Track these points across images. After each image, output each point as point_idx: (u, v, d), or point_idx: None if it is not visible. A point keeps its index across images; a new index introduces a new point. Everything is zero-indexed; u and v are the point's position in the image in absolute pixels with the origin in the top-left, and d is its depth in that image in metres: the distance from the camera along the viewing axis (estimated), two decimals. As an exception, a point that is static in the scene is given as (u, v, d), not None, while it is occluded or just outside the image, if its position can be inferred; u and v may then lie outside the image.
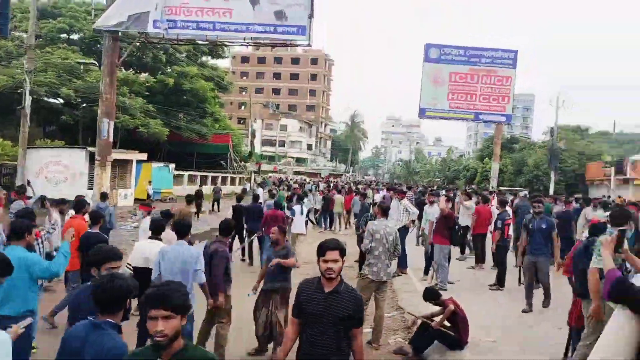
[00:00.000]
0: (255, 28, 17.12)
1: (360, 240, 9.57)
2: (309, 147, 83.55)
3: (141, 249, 6.21)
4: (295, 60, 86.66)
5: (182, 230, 5.58)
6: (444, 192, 17.72)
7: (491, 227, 10.82)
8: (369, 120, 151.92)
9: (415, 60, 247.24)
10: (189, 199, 13.09)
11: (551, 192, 31.93)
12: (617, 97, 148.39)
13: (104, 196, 12.10)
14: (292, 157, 78.63)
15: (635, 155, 32.90)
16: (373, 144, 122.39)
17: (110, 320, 2.75)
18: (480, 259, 11.54)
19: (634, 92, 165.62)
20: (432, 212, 10.38)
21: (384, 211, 6.92)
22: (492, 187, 31.00)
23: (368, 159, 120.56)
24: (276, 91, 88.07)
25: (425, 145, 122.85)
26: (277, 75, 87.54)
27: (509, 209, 11.33)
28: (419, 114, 36.08)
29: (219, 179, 38.43)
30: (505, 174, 37.85)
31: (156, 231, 6.34)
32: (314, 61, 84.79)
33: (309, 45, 17.41)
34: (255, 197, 13.24)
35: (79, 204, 7.87)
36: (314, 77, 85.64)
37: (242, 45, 17.58)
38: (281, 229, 6.33)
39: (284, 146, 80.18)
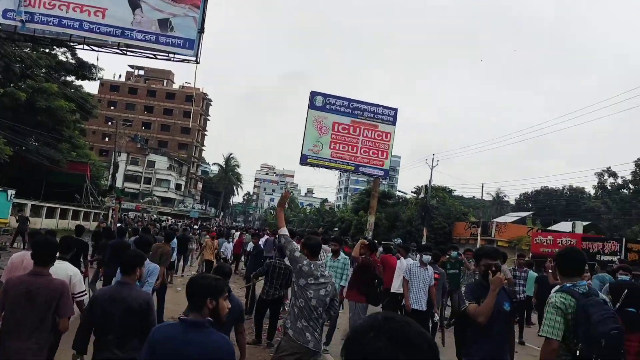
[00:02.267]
0: (134, 34, 14.64)
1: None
2: (178, 187, 78.86)
3: None
4: (170, 95, 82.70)
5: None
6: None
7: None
8: (243, 166, 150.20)
9: (290, 110, 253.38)
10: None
11: (424, 248, 32.20)
12: (483, 164, 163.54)
13: None
14: (158, 197, 73.40)
15: (499, 218, 34.69)
16: (245, 190, 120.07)
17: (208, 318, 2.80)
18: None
19: (498, 161, 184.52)
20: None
21: (312, 249, 4.95)
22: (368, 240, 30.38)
23: (239, 204, 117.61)
24: (147, 125, 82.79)
25: (298, 195, 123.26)
26: (149, 109, 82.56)
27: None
28: (300, 161, 34.90)
29: (70, 213, 33.45)
30: (380, 228, 37.89)
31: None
32: (191, 98, 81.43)
33: (196, 62, 15.25)
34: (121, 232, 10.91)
35: None
36: (189, 114, 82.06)
37: (115, 52, 14.83)
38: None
39: (149, 184, 74.69)
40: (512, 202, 59.39)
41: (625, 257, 19.01)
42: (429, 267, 8.03)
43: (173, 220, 53.09)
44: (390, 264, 9.27)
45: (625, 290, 4.31)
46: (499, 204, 59.97)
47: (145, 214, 59.18)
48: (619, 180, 37.82)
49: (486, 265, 4.08)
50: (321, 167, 35.59)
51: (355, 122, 36.00)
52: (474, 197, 57.37)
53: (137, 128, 79.87)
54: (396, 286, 8.67)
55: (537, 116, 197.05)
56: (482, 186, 34.80)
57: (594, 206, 41.19)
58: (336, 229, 38.66)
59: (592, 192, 42.90)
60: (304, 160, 34.98)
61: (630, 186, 37.34)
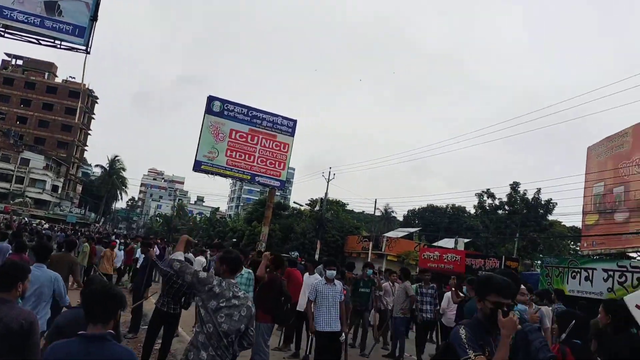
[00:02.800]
0: (15, 15, 12.94)
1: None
2: (55, 188, 72.45)
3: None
4: (51, 89, 76.10)
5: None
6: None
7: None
8: (129, 170, 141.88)
9: (184, 116, 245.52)
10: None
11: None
12: (372, 180, 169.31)
13: None
14: (31, 198, 66.88)
15: (389, 233, 35.83)
16: (130, 196, 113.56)
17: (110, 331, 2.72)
18: (289, 338, 9.54)
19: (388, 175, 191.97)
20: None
21: (232, 265, 4.21)
22: (259, 250, 29.90)
23: (122, 210, 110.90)
24: (22, 120, 75.41)
25: (187, 203, 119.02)
26: (26, 102, 75.32)
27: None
28: (194, 167, 33.48)
29: None
30: (274, 239, 37.47)
31: None
32: (75, 94, 75.45)
33: (87, 52, 13.81)
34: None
35: None
36: (72, 111, 76.02)
37: (-11, 32, 12.96)
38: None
39: (22, 183, 67.87)
40: (400, 218, 62.26)
41: (504, 273, 20.39)
42: (336, 282, 7.67)
43: (47, 225, 48.47)
44: (296, 278, 8.86)
45: (573, 321, 4.26)
46: (387, 220, 62.36)
47: (15, 217, 53.47)
48: (496, 202, 41.13)
49: (496, 304, 3.00)
50: (216, 174, 34.44)
51: (253, 130, 35.42)
52: (363, 211, 59.16)
53: (11, 122, 72.44)
54: (302, 304, 8.28)
55: (422, 137, 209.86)
56: (375, 202, 36.11)
57: (473, 224, 44.37)
58: (234, 239, 37.62)
59: (472, 211, 46.15)
60: (197, 167, 33.63)
61: (506, 207, 40.79)
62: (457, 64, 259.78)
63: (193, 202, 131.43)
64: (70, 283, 8.46)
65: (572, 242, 48.14)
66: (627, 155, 22.95)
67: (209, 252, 17.61)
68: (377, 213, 57.31)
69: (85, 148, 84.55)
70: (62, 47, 13.89)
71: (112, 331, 2.71)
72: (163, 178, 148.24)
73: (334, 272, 7.45)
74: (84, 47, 13.72)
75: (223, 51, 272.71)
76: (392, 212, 72.02)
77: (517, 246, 31.46)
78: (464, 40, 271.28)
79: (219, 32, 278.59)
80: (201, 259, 13.41)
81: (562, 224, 45.77)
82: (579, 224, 48.30)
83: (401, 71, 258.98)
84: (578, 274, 17.41)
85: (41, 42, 13.77)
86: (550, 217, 40.38)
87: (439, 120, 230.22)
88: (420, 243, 33.44)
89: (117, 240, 21.50)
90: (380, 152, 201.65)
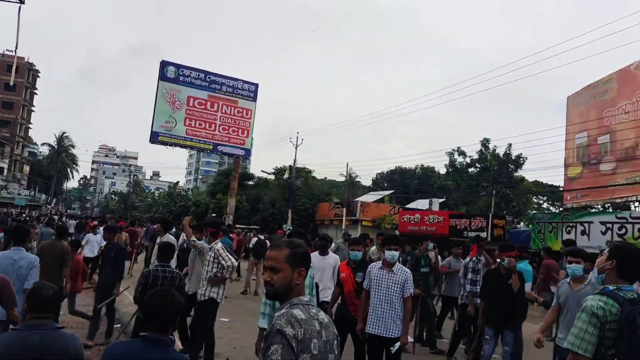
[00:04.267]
0: None
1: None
2: (0, 170, 67.72)
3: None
4: (-14, 64, 70.28)
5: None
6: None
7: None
8: (79, 147, 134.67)
9: (135, 86, 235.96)
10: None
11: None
12: (333, 145, 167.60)
13: None
14: (-27, 182, 62.38)
15: (360, 197, 34.67)
16: (82, 174, 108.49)
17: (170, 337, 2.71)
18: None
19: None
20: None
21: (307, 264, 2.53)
22: (229, 223, 28.31)
23: (74, 189, 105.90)
24: (-44, 99, 69.75)
25: (143, 179, 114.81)
26: (-41, 80, 69.39)
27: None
28: (150, 139, 31.17)
29: None
30: (241, 211, 35.72)
31: None
32: (12, 69, 69.86)
33: (20, 1, 11.37)
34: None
35: None
36: (11, 87, 70.55)
37: None
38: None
39: (-39, 167, 63.10)
40: (365, 182, 61.15)
41: (492, 233, 19.46)
42: (395, 267, 5.44)
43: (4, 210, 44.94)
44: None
45: None
46: (351, 184, 61.29)
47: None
48: (467, 160, 40.47)
49: None
50: (175, 145, 32.22)
51: (212, 96, 33.16)
52: (325, 178, 57.90)
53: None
54: (327, 293, 6.63)
55: (383, 100, 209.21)
56: (347, 165, 34.64)
57: (444, 184, 43.75)
58: (192, 214, 35.58)
59: (442, 171, 45.53)
60: (154, 138, 31.32)
61: (477, 165, 40.18)
62: (415, 21, 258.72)
63: (149, 178, 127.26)
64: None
65: (535, 197, 48.45)
66: (612, 103, 22.18)
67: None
68: (341, 179, 56.27)
69: (30, 126, 79.24)
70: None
71: (172, 337, 2.73)
72: (115, 154, 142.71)
73: (396, 254, 5.51)
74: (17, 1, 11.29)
75: (176, 15, 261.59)
76: (356, 176, 71.14)
77: (492, 203, 30.87)
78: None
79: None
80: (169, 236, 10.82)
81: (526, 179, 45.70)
82: (544, 179, 48.78)
83: (357, 30, 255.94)
84: (573, 229, 16.61)
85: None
86: (520, 172, 40.16)
87: (399, 81, 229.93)
88: (395, 206, 32.39)
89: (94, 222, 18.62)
90: (339, 117, 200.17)
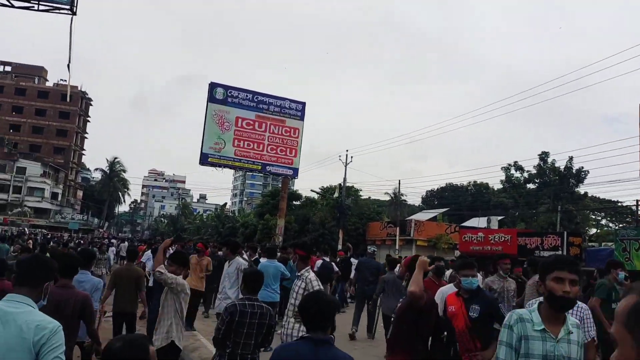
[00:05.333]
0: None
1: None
2: (54, 196, 69.93)
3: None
4: (43, 94, 73.48)
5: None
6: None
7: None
8: (130, 172, 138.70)
9: (183, 113, 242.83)
10: None
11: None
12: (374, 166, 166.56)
13: None
14: (30, 208, 64.46)
15: (414, 216, 33.40)
16: (132, 198, 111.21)
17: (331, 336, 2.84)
18: None
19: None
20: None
21: None
22: (279, 243, 27.68)
23: (125, 213, 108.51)
24: (16, 128, 72.95)
25: (191, 202, 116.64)
26: (17, 109, 72.69)
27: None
28: (200, 160, 31.03)
29: None
30: (290, 231, 35.03)
31: None
32: (67, 97, 72.60)
33: (72, 12, 11.20)
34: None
35: None
36: (65, 115, 73.33)
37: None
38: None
39: (19, 193, 65.40)
40: (410, 201, 59.43)
41: (567, 252, 17.86)
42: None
43: (49, 234, 46.04)
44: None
45: None
46: (396, 204, 59.74)
47: (14, 228, 51.04)
48: (525, 174, 38.42)
49: None
50: (224, 166, 31.98)
51: (260, 116, 32.83)
52: (369, 197, 56.64)
53: (3, 131, 69.89)
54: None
55: (418, 120, 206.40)
56: (399, 182, 33.55)
57: (501, 200, 41.73)
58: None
59: (497, 187, 43.59)
60: (204, 160, 31.15)
61: (536, 180, 38.11)
62: (451, 45, 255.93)
63: (196, 200, 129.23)
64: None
65: (593, 214, 45.64)
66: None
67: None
68: (386, 198, 54.82)
69: (83, 152, 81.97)
70: (40, 9, 11.22)
71: (333, 336, 2.84)
72: (164, 178, 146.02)
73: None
74: (67, 7, 11.08)
75: (219, 46, 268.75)
76: (403, 195, 69.50)
77: (558, 220, 28.94)
78: (455, 21, 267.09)
79: (213, 28, 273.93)
80: (239, 260, 9.19)
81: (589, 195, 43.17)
82: (607, 195, 46.04)
83: (392, 54, 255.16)
84: (664, 246, 14.98)
85: (13, 3, 11.06)
86: (581, 187, 37.80)
87: (437, 100, 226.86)
88: (451, 224, 30.93)
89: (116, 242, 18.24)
90: (379, 138, 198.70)
